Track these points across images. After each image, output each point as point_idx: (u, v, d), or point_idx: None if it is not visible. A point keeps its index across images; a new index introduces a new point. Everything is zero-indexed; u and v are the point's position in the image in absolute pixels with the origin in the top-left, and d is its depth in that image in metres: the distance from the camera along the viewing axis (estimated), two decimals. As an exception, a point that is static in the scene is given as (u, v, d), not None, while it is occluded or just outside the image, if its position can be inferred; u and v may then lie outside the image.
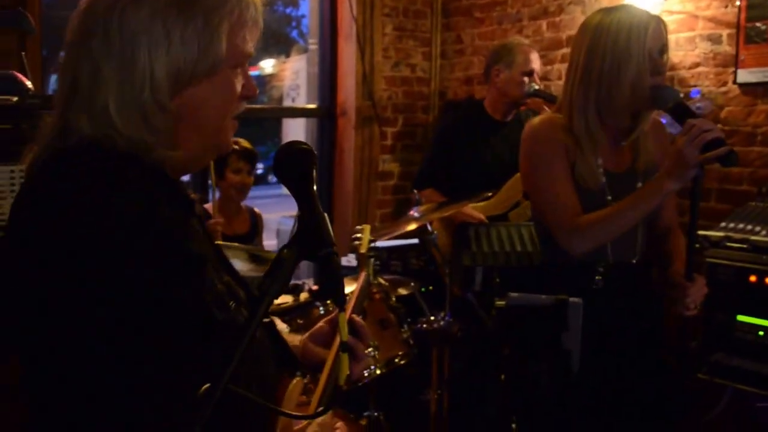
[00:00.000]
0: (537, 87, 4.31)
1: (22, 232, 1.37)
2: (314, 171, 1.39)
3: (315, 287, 4.51)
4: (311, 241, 1.28)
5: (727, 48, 4.34)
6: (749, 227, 3.69)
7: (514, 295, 2.51)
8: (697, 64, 4.48)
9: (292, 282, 4.78)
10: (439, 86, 6.29)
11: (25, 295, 1.33)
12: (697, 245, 3.72)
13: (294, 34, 19.82)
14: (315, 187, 1.37)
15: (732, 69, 4.32)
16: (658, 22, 2.69)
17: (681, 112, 2.56)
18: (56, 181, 1.37)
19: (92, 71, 1.40)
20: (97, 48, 1.40)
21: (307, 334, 1.95)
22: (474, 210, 4.33)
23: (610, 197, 2.74)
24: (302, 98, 8.05)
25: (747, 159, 4.33)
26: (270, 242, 10.05)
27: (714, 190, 4.48)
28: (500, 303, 2.51)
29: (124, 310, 1.27)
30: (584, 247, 2.71)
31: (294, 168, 1.39)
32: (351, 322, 1.87)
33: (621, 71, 2.65)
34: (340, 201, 6.01)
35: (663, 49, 2.69)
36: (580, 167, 2.74)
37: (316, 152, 1.44)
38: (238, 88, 1.53)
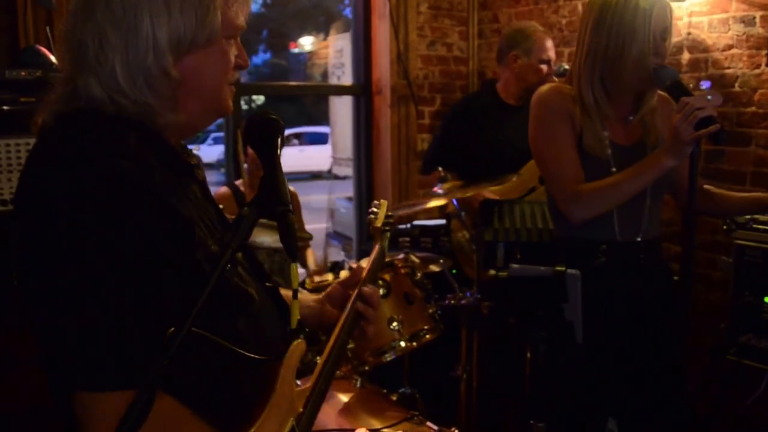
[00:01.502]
0: (567, 67, 4.31)
1: (25, 193, 1.48)
2: (279, 139, 1.54)
3: (354, 265, 4.58)
4: (269, 200, 1.43)
5: (760, 30, 4.31)
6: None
7: (515, 266, 2.58)
8: (731, 47, 4.46)
9: (332, 260, 4.85)
10: (477, 66, 6.29)
11: (26, 253, 1.44)
12: (725, 227, 3.76)
13: (347, 12, 19.99)
14: (279, 153, 1.52)
15: (765, 51, 4.29)
16: (664, 5, 2.73)
17: (677, 90, 2.63)
18: (55, 145, 1.47)
19: (99, 38, 1.51)
20: (102, 16, 1.51)
21: (322, 295, 2.09)
22: (491, 193, 4.35)
23: (614, 169, 2.80)
24: (347, 77, 8.12)
25: (781, 143, 4.32)
26: (321, 225, 10.08)
27: (749, 173, 4.47)
28: (502, 274, 2.56)
29: (112, 264, 1.37)
30: (583, 214, 2.78)
31: (262, 135, 1.54)
32: (359, 291, 2.02)
33: (625, 49, 2.72)
34: (379, 179, 6.05)
35: (665, 32, 2.75)
36: (587, 137, 2.81)
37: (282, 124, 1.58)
38: (233, 57, 1.65)
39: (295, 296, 1.43)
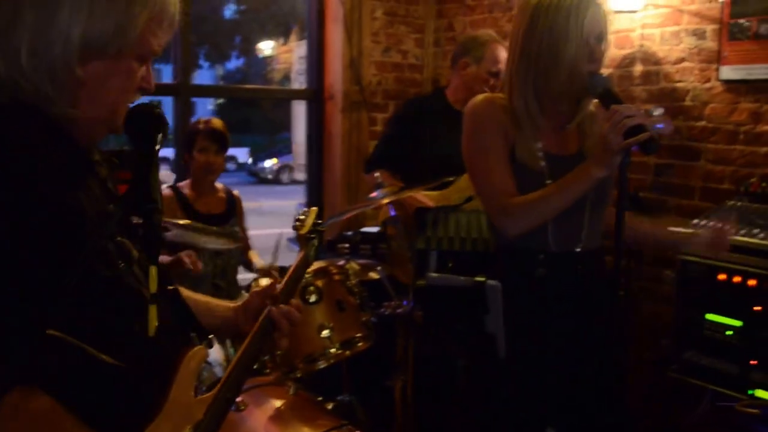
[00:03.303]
0: None
1: None
2: (160, 134, 1.51)
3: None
4: (138, 196, 1.42)
5: (710, 44, 4.29)
6: (720, 225, 3.65)
7: (433, 275, 2.51)
8: (682, 60, 4.44)
9: (280, 265, 4.78)
10: (432, 74, 6.24)
11: None
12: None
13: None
14: (158, 148, 1.49)
15: (715, 65, 4.27)
16: (598, 7, 2.64)
17: (607, 98, 2.55)
18: None
19: (12, 13, 1.47)
20: None
21: (239, 304, 2.07)
22: (426, 197, 4.28)
23: (549, 180, 2.71)
24: (310, 84, 8.15)
25: (729, 158, 4.29)
26: (273, 230, 10.07)
27: (698, 188, 4.46)
28: (420, 283, 2.50)
29: None
30: (514, 228, 2.70)
31: (143, 129, 1.52)
32: (272, 307, 1.99)
33: (558, 54, 2.62)
34: (329, 185, 5.99)
35: (601, 36, 2.66)
36: (520, 148, 2.73)
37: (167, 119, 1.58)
38: (138, 78, 1.62)
39: (152, 301, 1.40)
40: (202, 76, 28.19)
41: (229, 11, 28.66)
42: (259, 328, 1.96)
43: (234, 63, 30.43)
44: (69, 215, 1.44)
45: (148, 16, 1.55)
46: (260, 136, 28.68)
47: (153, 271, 1.38)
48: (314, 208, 2.51)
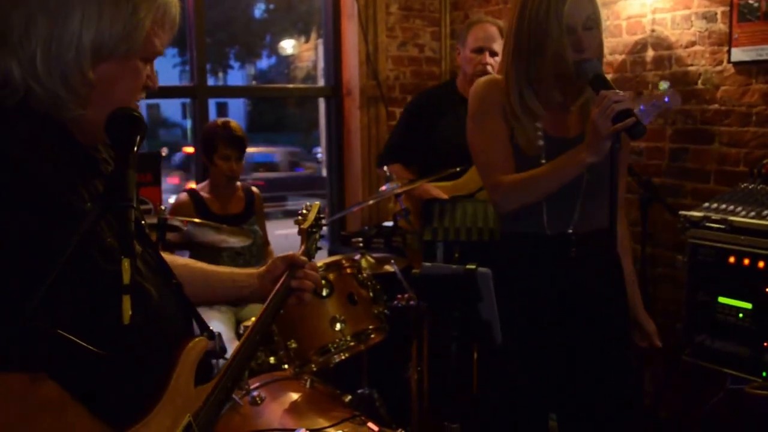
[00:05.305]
0: None
1: None
2: (138, 137, 1.54)
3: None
4: (114, 195, 1.44)
5: (721, 26, 4.27)
6: (731, 208, 3.64)
7: (426, 264, 2.54)
8: (693, 43, 4.42)
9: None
10: (450, 66, 6.25)
11: None
12: (679, 225, 3.72)
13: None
14: (136, 150, 1.52)
15: (726, 48, 4.25)
16: None
17: (598, 83, 2.56)
18: None
19: (26, 21, 1.54)
20: (34, 1, 1.54)
21: (263, 269, 2.19)
22: (438, 189, 4.30)
23: (544, 161, 2.74)
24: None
25: (742, 140, 4.27)
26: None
27: (712, 171, 4.44)
28: (415, 272, 2.54)
29: None
30: (505, 205, 2.75)
31: (122, 131, 1.55)
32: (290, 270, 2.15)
33: (542, 45, 2.65)
34: (350, 181, 6.02)
35: (588, 24, 2.65)
36: (517, 132, 2.76)
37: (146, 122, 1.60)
38: (144, 78, 1.70)
39: (125, 292, 1.42)
40: (234, 77, 28.20)
41: (258, 10, 28.59)
42: (276, 295, 2.07)
43: (266, 62, 30.35)
44: (68, 213, 1.50)
45: (152, 19, 1.62)
46: (296, 133, 28.60)
47: (126, 263, 1.41)
48: (317, 203, 2.55)
